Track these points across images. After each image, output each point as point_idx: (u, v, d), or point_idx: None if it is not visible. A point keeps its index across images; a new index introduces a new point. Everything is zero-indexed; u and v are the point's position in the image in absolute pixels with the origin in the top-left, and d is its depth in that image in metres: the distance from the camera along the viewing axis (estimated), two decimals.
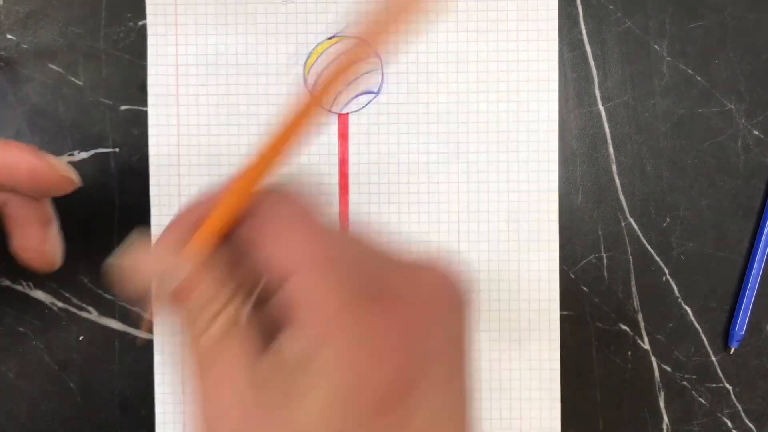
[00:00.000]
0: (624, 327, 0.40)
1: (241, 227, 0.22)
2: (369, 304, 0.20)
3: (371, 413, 0.20)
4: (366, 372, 0.20)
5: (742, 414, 0.40)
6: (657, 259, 0.40)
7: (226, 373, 0.20)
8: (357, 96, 0.40)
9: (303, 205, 0.22)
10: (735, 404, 0.40)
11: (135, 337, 0.40)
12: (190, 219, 0.23)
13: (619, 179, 0.40)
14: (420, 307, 0.21)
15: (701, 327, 0.40)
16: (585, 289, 0.40)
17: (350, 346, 0.20)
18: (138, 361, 0.40)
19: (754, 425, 0.40)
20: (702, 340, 0.40)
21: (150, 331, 0.38)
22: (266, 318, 0.22)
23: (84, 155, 0.40)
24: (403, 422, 0.20)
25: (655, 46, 0.40)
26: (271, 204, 0.22)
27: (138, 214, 0.40)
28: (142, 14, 0.39)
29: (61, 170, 0.31)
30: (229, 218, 0.22)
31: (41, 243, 0.32)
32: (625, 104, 0.40)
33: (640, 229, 0.40)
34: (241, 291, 0.22)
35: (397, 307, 0.21)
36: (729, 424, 0.40)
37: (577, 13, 0.40)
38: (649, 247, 0.40)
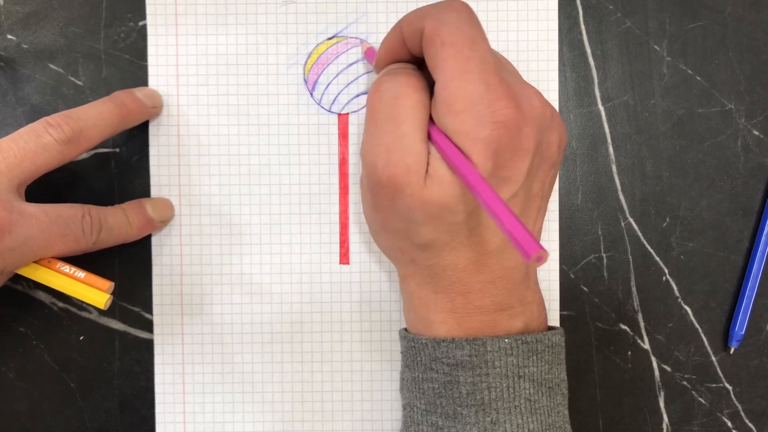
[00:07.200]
0: (624, 327, 0.40)
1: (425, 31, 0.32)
2: (500, 97, 0.30)
3: (506, 158, 0.30)
4: (496, 134, 0.30)
5: (742, 414, 0.40)
6: (657, 259, 0.40)
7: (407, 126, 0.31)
8: (357, 96, 0.40)
9: (466, 15, 0.31)
10: (735, 404, 0.40)
11: (135, 337, 0.40)
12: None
13: (619, 179, 0.40)
14: (533, 112, 0.31)
15: (701, 327, 0.40)
16: (585, 289, 0.40)
17: (483, 120, 0.30)
18: (138, 361, 0.40)
19: (754, 425, 0.40)
20: (702, 340, 0.40)
21: None
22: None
23: (84, 155, 0.40)
24: (518, 173, 0.31)
25: (655, 46, 0.40)
26: (443, 11, 0.31)
27: None
28: (142, 14, 0.39)
29: (152, 102, 0.39)
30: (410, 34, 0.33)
31: None
32: (625, 104, 0.40)
33: (640, 229, 0.40)
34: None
35: (518, 106, 0.30)
36: (729, 424, 0.40)
37: (577, 13, 0.40)
38: (649, 247, 0.40)
